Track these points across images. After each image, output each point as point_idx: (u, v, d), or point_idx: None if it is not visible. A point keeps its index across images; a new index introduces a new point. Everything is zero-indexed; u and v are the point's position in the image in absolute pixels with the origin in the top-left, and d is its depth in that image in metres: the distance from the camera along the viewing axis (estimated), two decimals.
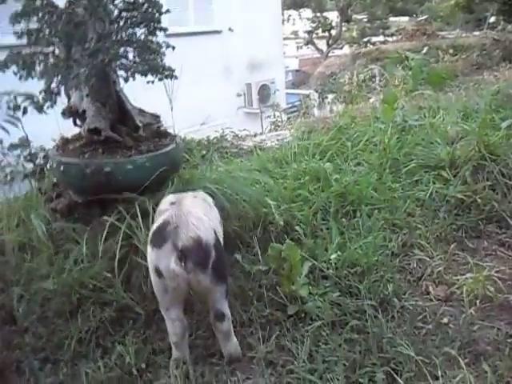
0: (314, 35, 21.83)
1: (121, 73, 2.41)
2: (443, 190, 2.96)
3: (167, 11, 2.68)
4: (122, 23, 2.52)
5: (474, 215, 2.73)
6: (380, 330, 1.87)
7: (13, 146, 3.22)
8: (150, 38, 2.59)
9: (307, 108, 8.04)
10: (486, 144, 3.32)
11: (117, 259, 2.22)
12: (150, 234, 1.86)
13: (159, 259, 1.74)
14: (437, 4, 23.46)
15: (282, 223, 2.66)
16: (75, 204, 2.54)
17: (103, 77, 2.41)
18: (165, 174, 2.50)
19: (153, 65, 2.41)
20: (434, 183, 3.08)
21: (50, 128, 3.04)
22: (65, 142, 2.74)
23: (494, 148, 3.29)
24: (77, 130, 2.83)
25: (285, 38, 17.87)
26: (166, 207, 1.96)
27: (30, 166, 3.25)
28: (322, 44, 21.91)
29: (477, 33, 14.35)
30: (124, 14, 2.53)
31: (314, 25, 21.19)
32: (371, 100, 5.95)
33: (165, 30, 2.62)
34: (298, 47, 24.48)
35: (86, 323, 2.09)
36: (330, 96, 9.73)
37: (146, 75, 2.41)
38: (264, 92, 11.34)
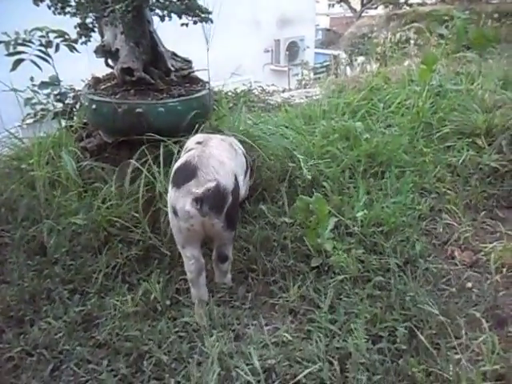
0: None
1: (157, 11, 2.34)
2: (476, 158, 2.87)
3: None
4: None
5: (508, 185, 2.65)
6: (403, 287, 1.88)
7: (43, 84, 3.21)
8: None
9: (337, 68, 7.79)
10: None
11: (143, 201, 2.26)
12: (172, 172, 1.85)
13: (177, 199, 1.75)
14: None
15: (309, 177, 2.63)
16: (105, 144, 2.54)
17: (138, 15, 2.35)
18: (195, 118, 2.48)
19: (190, 5, 2.33)
20: (468, 150, 2.98)
21: (79, 71, 3.01)
22: (96, 82, 2.72)
23: None
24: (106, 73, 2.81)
25: None
26: (192, 146, 1.96)
27: (59, 105, 3.26)
28: (356, 3, 20.90)
29: None
30: None
31: None
32: (406, 63, 5.72)
33: None
34: (329, 5, 23.43)
35: (113, 259, 2.16)
36: (360, 58, 9.41)
37: (181, 16, 2.33)
38: (292, 49, 11.01)
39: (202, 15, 2.45)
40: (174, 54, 2.82)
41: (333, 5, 23.31)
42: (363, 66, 6.38)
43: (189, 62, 2.90)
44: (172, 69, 2.71)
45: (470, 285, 1.98)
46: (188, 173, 1.75)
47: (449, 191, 2.65)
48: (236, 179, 1.86)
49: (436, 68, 3.98)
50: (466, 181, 2.73)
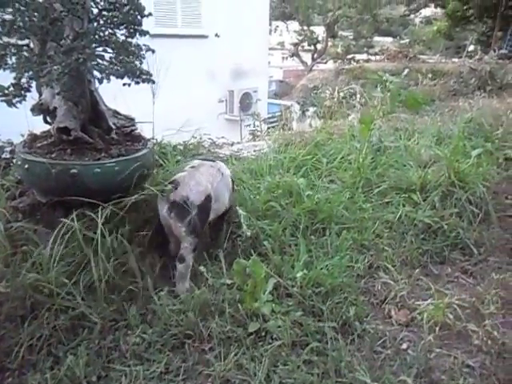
0: (300, 48, 22.07)
1: (96, 73, 2.35)
2: (412, 214, 3.00)
3: (149, 14, 2.64)
4: (101, 22, 2.46)
5: (440, 241, 2.77)
6: (339, 353, 1.86)
7: None
8: (129, 39, 2.54)
9: (287, 120, 8.07)
10: (456, 171, 3.41)
11: (74, 265, 2.17)
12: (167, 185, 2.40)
13: (160, 205, 2.34)
14: (420, 28, 24.19)
15: (248, 234, 2.66)
16: (38, 204, 2.44)
17: (77, 76, 2.34)
18: (134, 178, 2.45)
19: (129, 68, 2.36)
20: (404, 206, 3.12)
21: (20, 120, 2.93)
22: (33, 139, 2.65)
23: (464, 175, 3.37)
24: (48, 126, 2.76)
25: (270, 48, 18.01)
26: (186, 169, 2.53)
27: None
28: (307, 57, 22.17)
29: (456, 59, 14.82)
30: (104, 13, 2.47)
31: (300, 38, 21.43)
32: (350, 117, 6.03)
33: (145, 33, 2.56)
34: (283, 58, 24.72)
35: (39, 330, 2.00)
36: (311, 109, 9.87)
37: (122, 78, 2.35)
38: (246, 100, 11.35)
39: (143, 77, 2.48)
40: (115, 111, 2.82)
41: (286, 58, 24.60)
42: (311, 120, 6.66)
43: (131, 119, 2.90)
44: (113, 127, 2.69)
45: (405, 346, 2.00)
46: (172, 188, 2.32)
47: (386, 247, 2.72)
48: (208, 198, 2.37)
49: (375, 125, 4.22)
50: (403, 237, 2.83)
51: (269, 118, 10.03)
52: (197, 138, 5.30)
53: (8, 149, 3.22)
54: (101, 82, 2.30)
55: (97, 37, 2.39)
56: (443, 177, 3.40)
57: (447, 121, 5.49)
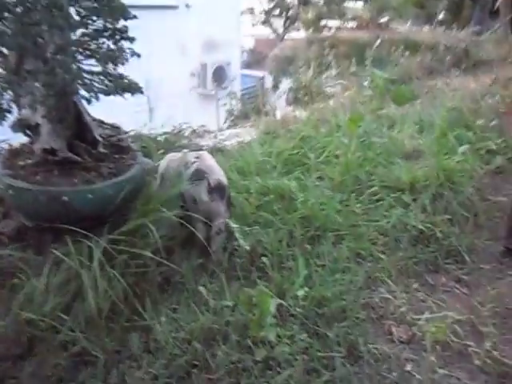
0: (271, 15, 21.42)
1: (82, 93, 2.17)
2: (404, 218, 3.01)
3: (134, 17, 2.47)
4: (84, 30, 2.27)
5: (433, 249, 2.79)
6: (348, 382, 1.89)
7: None
8: (113, 46, 2.37)
9: (263, 98, 7.90)
10: (444, 169, 3.45)
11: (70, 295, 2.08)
12: (189, 176, 2.66)
13: (195, 192, 2.61)
14: None
15: (247, 248, 2.61)
16: (25, 228, 2.31)
17: (61, 93, 2.17)
18: (128, 198, 2.34)
19: (117, 84, 2.20)
20: (395, 207, 3.13)
21: None
22: (14, 154, 2.48)
23: (452, 173, 3.41)
24: None
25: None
26: (193, 160, 2.77)
27: None
28: (279, 23, 21.58)
29: (426, 28, 14.73)
30: (84, 20, 2.27)
31: (271, 4, 20.76)
32: (331, 102, 5.97)
33: (132, 39, 2.40)
34: (253, 24, 23.97)
35: (39, 369, 1.93)
36: (285, 81, 9.72)
37: (110, 95, 2.20)
38: (219, 73, 11.02)
39: (133, 90, 2.33)
40: (100, 121, 2.67)
41: (256, 24, 23.84)
42: (293, 106, 6.56)
43: (117, 128, 2.76)
44: (99, 139, 2.54)
45: (409, 367, 2.03)
46: (202, 176, 2.60)
47: (382, 255, 2.73)
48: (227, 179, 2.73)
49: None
50: (397, 244, 2.84)
51: (243, 94, 9.79)
52: (176, 126, 5.14)
53: None
54: (89, 102, 2.13)
55: (79, 49, 2.21)
56: (432, 176, 3.42)
57: (427, 105, 5.51)
